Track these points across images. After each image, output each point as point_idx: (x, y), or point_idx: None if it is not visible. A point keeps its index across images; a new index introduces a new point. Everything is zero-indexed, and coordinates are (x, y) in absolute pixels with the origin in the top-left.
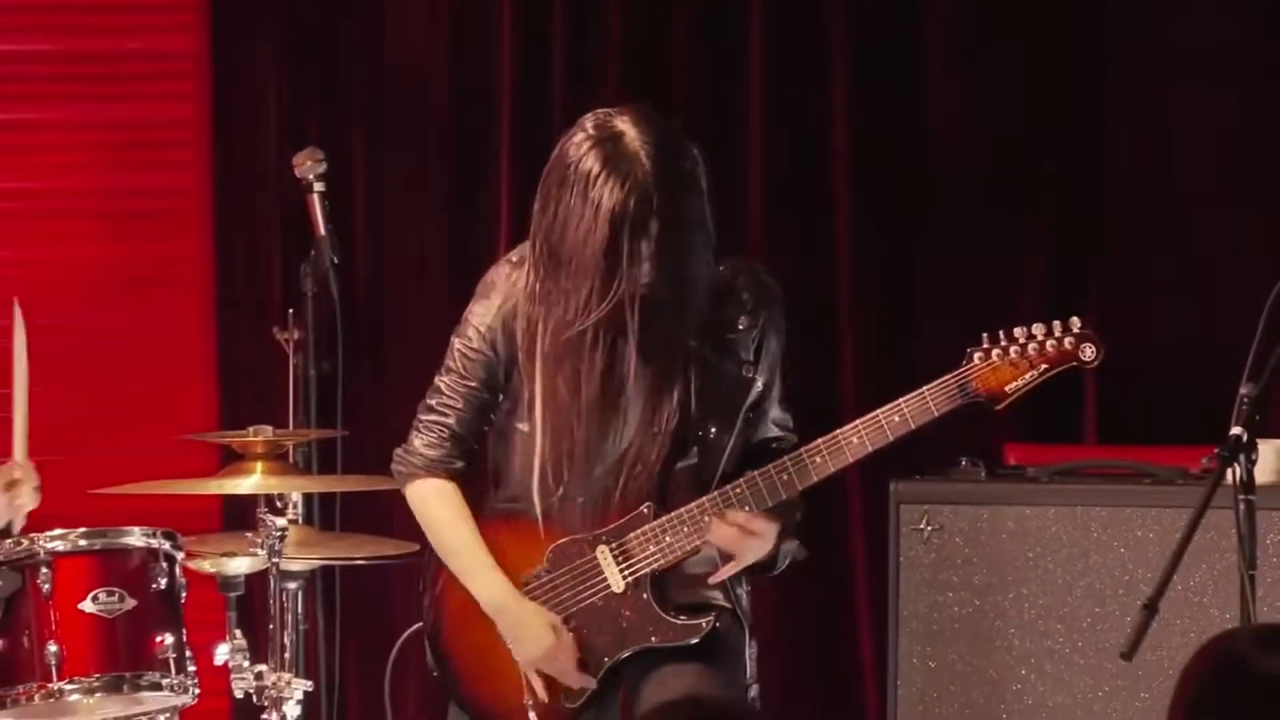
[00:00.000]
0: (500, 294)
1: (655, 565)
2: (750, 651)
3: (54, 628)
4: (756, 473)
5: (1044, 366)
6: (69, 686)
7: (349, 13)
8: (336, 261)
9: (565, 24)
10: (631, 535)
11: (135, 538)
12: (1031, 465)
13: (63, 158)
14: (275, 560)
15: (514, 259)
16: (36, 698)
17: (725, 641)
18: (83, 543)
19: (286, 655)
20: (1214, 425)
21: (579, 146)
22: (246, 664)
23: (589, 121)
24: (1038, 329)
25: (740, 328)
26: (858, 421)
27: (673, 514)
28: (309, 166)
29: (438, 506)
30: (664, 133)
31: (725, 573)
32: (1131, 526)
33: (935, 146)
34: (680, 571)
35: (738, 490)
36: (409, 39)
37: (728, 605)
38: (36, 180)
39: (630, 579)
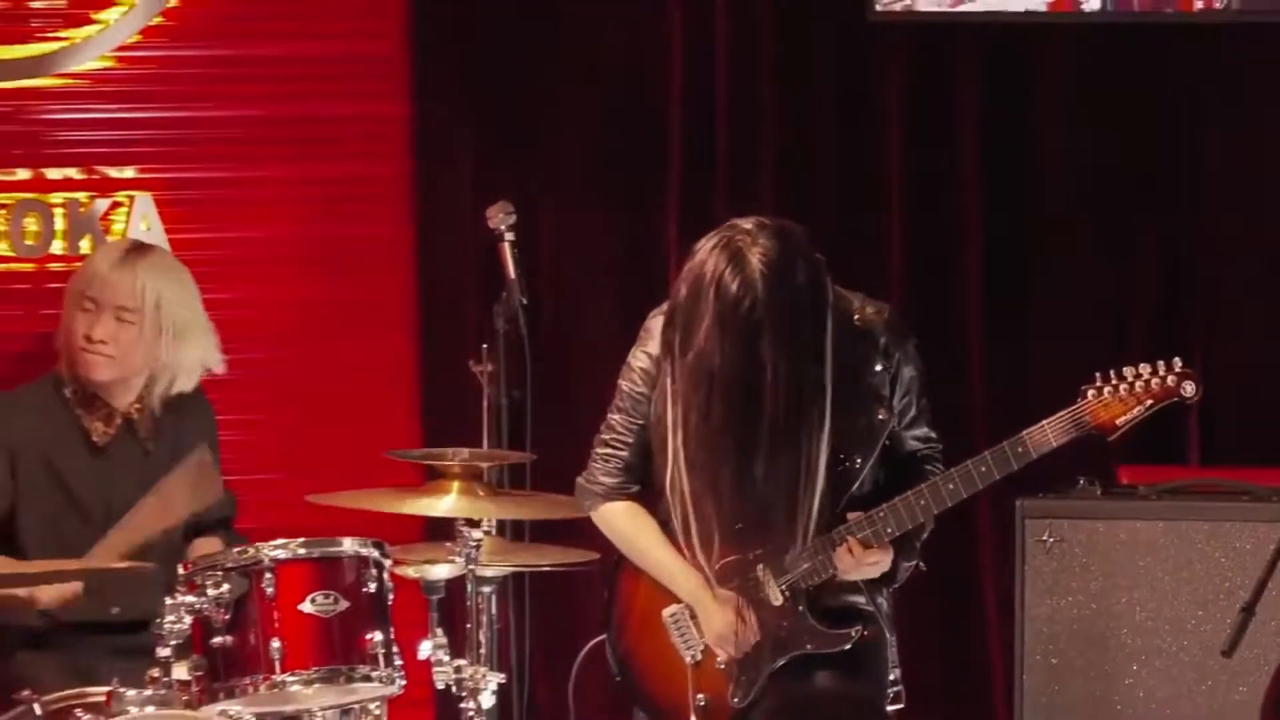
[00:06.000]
0: (656, 340)
1: (809, 582)
2: (892, 648)
3: (277, 626)
4: (898, 499)
5: (1149, 402)
6: (290, 678)
7: (530, 77)
8: (525, 303)
9: (728, 72)
10: (786, 556)
11: (348, 547)
12: (1142, 484)
13: (282, 210)
14: (471, 567)
15: (664, 309)
16: (262, 688)
17: (868, 646)
18: (302, 551)
19: (482, 651)
20: None
21: (708, 254)
22: (447, 659)
23: (718, 237)
24: (1144, 368)
25: (877, 369)
26: (986, 452)
27: (822, 537)
28: (501, 218)
29: (625, 524)
30: (783, 253)
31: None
32: (1231, 539)
33: (1049, 199)
34: (829, 584)
35: (880, 514)
36: (585, 96)
37: (870, 609)
38: (262, 230)
39: (787, 594)
